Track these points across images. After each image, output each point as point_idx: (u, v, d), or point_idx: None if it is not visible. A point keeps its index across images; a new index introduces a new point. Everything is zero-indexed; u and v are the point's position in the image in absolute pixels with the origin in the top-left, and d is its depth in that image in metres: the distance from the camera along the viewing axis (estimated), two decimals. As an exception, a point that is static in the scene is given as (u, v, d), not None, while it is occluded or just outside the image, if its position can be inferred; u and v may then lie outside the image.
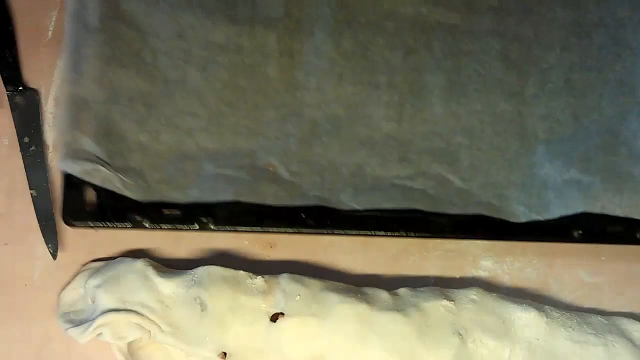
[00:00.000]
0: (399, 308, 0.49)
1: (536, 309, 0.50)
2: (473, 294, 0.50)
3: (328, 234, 0.52)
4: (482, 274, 0.54)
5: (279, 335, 0.47)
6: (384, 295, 0.50)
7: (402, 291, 0.50)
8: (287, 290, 0.48)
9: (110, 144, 0.51)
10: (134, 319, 0.47)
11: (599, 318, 0.51)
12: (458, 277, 0.54)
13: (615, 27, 0.56)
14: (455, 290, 0.51)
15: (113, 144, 0.51)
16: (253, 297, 0.48)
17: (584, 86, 0.55)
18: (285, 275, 0.50)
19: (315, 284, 0.49)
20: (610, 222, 0.52)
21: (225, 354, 0.47)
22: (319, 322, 0.48)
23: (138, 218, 0.50)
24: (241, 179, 0.51)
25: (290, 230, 0.51)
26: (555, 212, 0.52)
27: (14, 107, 0.54)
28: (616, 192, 0.52)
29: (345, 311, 0.48)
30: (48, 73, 0.55)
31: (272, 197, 0.51)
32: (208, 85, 0.53)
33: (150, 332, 0.47)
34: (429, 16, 0.56)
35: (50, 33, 0.56)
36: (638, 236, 0.53)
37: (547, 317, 0.50)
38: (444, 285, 0.52)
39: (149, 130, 0.52)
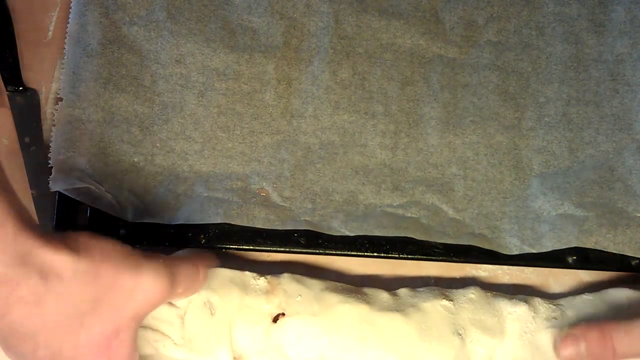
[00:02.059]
0: (399, 308, 0.49)
1: (525, 302, 0.50)
2: (471, 293, 0.50)
3: (320, 254, 0.52)
4: (482, 273, 0.54)
5: (279, 335, 0.48)
6: (383, 295, 0.50)
7: (402, 291, 0.51)
8: (288, 290, 0.49)
9: (103, 164, 0.52)
10: (147, 334, 0.47)
11: (584, 296, 0.51)
12: (458, 277, 0.54)
13: (613, 62, 0.57)
14: (454, 290, 0.51)
15: (106, 165, 0.52)
16: (257, 298, 0.48)
17: (580, 120, 0.55)
18: (286, 275, 0.50)
19: (315, 283, 0.50)
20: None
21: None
22: (319, 322, 0.48)
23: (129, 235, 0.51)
24: (231, 201, 0.52)
25: (281, 249, 0.52)
26: (548, 245, 0.52)
27: (14, 107, 0.54)
28: (610, 227, 0.52)
29: (345, 311, 0.48)
30: (48, 73, 0.55)
31: (262, 220, 0.51)
32: (205, 110, 0.54)
33: (158, 347, 0.47)
34: (427, 49, 0.57)
35: (50, 33, 0.57)
36: (633, 264, 0.52)
37: (534, 311, 0.50)
38: (445, 286, 0.52)
39: (143, 152, 0.53)
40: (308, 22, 0.57)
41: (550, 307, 0.51)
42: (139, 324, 0.44)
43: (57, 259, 0.40)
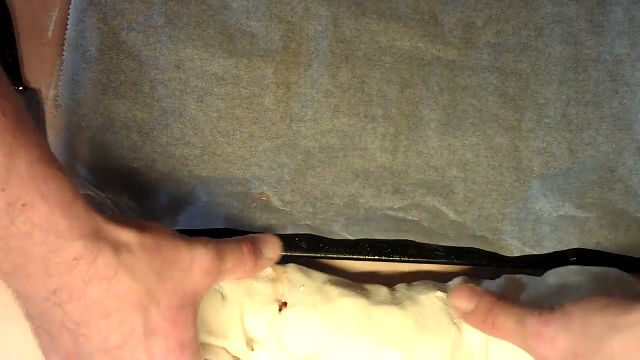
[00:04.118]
0: (396, 302, 0.49)
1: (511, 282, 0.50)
2: (459, 283, 0.50)
3: (322, 258, 0.52)
4: None
5: (281, 327, 0.48)
6: (382, 289, 0.50)
7: (399, 286, 0.51)
8: (293, 280, 0.49)
9: (103, 170, 0.52)
10: None
11: (570, 267, 0.50)
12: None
13: (613, 63, 0.57)
14: (447, 283, 0.51)
15: (106, 171, 0.52)
16: (265, 284, 0.49)
17: (580, 121, 0.55)
18: (292, 265, 0.50)
19: (319, 276, 0.50)
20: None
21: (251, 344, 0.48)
22: (320, 314, 0.48)
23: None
24: (232, 206, 0.52)
25: (282, 253, 0.52)
26: (550, 247, 0.52)
27: None
28: (611, 228, 0.52)
29: (345, 304, 0.48)
30: (48, 73, 0.55)
31: (262, 225, 0.51)
32: (204, 115, 0.54)
33: None
34: (426, 51, 0.57)
35: (50, 33, 0.56)
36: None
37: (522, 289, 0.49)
38: (444, 280, 0.52)
39: (143, 158, 0.53)
40: (307, 26, 0.57)
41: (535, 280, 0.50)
42: (200, 302, 0.44)
43: (125, 233, 0.40)
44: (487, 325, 0.46)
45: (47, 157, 0.38)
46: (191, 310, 0.42)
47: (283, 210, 0.52)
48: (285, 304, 0.48)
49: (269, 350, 0.48)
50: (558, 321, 0.41)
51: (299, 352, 0.48)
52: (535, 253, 0.52)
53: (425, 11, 0.57)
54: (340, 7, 0.57)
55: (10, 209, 0.36)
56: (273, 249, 0.48)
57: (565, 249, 0.51)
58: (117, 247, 0.39)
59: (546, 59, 0.57)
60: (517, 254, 0.52)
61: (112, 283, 0.39)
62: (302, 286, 0.49)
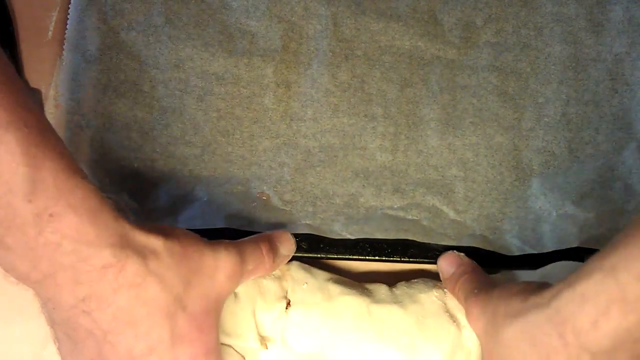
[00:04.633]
0: (396, 300, 0.49)
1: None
2: None
3: (322, 258, 0.52)
4: None
5: (285, 324, 0.48)
6: (383, 288, 0.50)
7: (399, 284, 0.51)
8: (296, 277, 0.50)
9: (103, 170, 0.52)
10: None
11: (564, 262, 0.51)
12: None
13: (612, 62, 0.57)
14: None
15: (106, 171, 0.52)
16: (272, 282, 0.49)
17: (580, 120, 0.55)
18: (294, 262, 0.51)
19: (321, 274, 0.50)
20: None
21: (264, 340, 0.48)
22: (321, 312, 0.48)
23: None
24: (232, 205, 0.52)
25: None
26: (549, 245, 0.52)
27: None
28: (611, 227, 0.52)
29: (346, 302, 0.48)
30: (48, 73, 0.55)
31: (263, 224, 0.51)
32: (204, 115, 0.54)
33: None
34: (426, 50, 0.57)
35: (50, 33, 0.56)
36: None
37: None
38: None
39: (143, 157, 0.53)
40: (306, 25, 0.57)
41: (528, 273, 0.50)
42: (222, 305, 0.44)
43: (153, 240, 0.40)
44: (453, 292, 0.49)
45: (72, 166, 0.38)
46: (215, 314, 0.43)
47: (283, 209, 0.52)
48: (289, 303, 0.48)
49: (274, 347, 0.48)
50: (480, 303, 0.45)
51: (301, 350, 0.48)
52: (535, 252, 0.52)
53: (425, 10, 0.57)
54: (340, 6, 0.57)
55: (38, 220, 0.37)
56: (288, 246, 0.49)
57: (565, 247, 0.52)
58: (145, 254, 0.40)
59: (545, 58, 0.57)
60: (516, 253, 0.52)
61: (140, 290, 0.39)
62: (305, 284, 0.49)
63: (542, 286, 0.41)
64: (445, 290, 0.50)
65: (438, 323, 0.48)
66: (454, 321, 0.48)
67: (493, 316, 0.43)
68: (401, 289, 0.50)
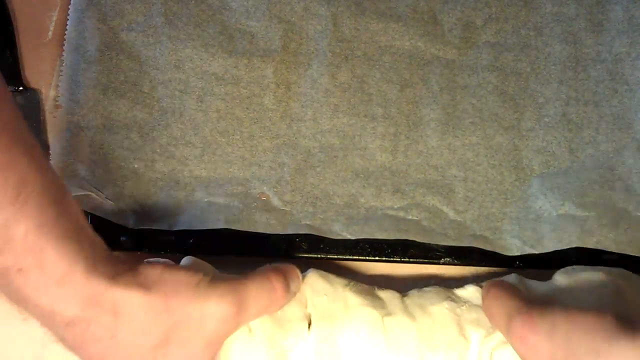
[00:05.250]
0: (407, 311, 0.49)
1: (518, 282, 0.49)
2: (468, 291, 0.50)
3: (322, 258, 0.52)
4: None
5: (307, 347, 0.47)
6: (396, 298, 0.49)
7: (411, 292, 0.50)
8: (315, 288, 0.48)
9: (103, 171, 0.52)
10: None
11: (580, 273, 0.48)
12: (458, 275, 0.53)
13: (612, 61, 0.57)
14: (456, 289, 0.50)
15: (106, 172, 0.52)
16: (291, 306, 0.47)
17: (580, 120, 0.55)
18: (312, 271, 0.49)
19: (339, 281, 0.49)
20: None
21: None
22: (341, 325, 0.47)
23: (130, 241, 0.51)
24: (232, 206, 0.52)
25: (283, 254, 0.52)
26: (550, 245, 0.52)
27: None
28: (611, 227, 0.52)
29: (362, 315, 0.48)
30: (48, 73, 0.55)
31: (263, 225, 0.51)
32: (204, 115, 0.54)
33: None
34: (426, 50, 0.57)
35: (50, 33, 0.57)
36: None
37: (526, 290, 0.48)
38: (445, 285, 0.51)
39: (143, 158, 0.53)
40: (306, 25, 0.57)
41: (540, 283, 0.48)
42: (217, 352, 0.44)
43: (128, 297, 0.40)
44: (486, 313, 0.46)
45: (49, 223, 0.39)
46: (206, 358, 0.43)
47: (283, 209, 0.52)
48: (309, 322, 0.47)
49: None
50: (542, 330, 0.40)
51: None
52: (535, 252, 0.52)
53: (425, 10, 0.57)
54: (340, 6, 0.57)
55: (7, 272, 0.38)
56: (297, 283, 0.47)
57: (565, 247, 0.51)
58: (117, 312, 0.40)
59: (545, 58, 0.57)
60: (517, 253, 0.52)
61: (110, 343, 0.40)
62: (325, 295, 0.48)
63: (624, 320, 0.38)
64: (457, 301, 0.49)
65: (447, 336, 0.48)
66: (464, 335, 0.48)
67: (569, 348, 0.39)
68: (412, 298, 0.50)
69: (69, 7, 0.56)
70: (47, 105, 0.55)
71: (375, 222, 0.52)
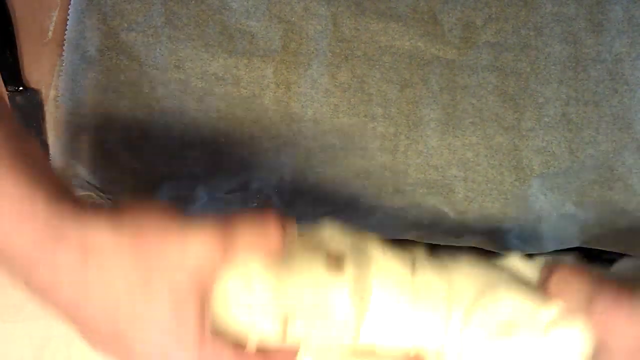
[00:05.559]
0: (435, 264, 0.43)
1: None
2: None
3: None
4: None
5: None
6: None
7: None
8: (335, 238, 0.43)
9: (103, 171, 0.52)
10: None
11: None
12: None
13: (612, 61, 0.57)
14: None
15: (106, 172, 0.52)
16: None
17: (580, 120, 0.56)
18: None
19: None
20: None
21: None
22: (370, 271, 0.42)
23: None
24: (232, 206, 0.52)
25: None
26: (550, 245, 0.52)
27: (14, 107, 0.54)
28: (611, 227, 0.52)
29: (388, 265, 0.42)
30: (48, 73, 0.55)
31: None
32: (204, 115, 0.54)
33: None
34: (426, 50, 0.57)
35: (50, 33, 0.56)
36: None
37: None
38: None
39: (143, 157, 0.53)
40: (306, 25, 0.57)
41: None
42: (206, 294, 0.38)
43: (97, 233, 0.36)
44: (554, 292, 0.41)
45: (3, 153, 0.35)
46: (192, 306, 0.37)
47: (283, 210, 0.52)
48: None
49: None
50: (629, 313, 0.38)
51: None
52: (536, 252, 0.52)
53: (425, 10, 0.57)
54: (340, 6, 0.57)
55: None
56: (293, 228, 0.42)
57: (566, 247, 0.52)
58: (85, 248, 0.35)
59: (545, 58, 0.57)
60: (517, 253, 0.52)
61: (81, 286, 0.36)
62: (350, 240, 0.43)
63: None
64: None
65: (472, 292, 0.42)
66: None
67: None
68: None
69: (69, 7, 0.56)
70: (47, 105, 0.55)
71: (376, 222, 0.52)
